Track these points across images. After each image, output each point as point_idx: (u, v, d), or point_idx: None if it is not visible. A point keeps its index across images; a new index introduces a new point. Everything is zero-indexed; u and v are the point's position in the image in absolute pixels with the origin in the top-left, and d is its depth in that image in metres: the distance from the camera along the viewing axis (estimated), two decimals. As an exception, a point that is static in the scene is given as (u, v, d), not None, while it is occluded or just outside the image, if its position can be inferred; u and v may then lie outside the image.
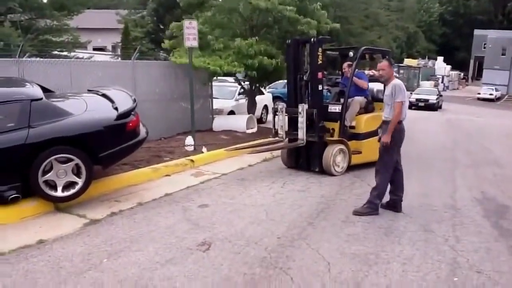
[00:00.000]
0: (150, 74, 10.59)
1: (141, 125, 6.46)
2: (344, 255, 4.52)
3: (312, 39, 7.85)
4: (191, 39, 8.95)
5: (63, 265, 4.16)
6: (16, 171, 5.23)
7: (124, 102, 6.20)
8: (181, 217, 5.54)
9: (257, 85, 12.75)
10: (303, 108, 7.67)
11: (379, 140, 5.83)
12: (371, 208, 5.81)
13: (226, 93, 13.77)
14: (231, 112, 13.06)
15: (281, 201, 6.32)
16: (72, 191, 5.52)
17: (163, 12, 25.90)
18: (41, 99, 5.57)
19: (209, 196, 6.49)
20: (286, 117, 8.14)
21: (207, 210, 5.83)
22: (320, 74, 7.81)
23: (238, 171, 8.10)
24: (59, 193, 5.46)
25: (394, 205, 5.95)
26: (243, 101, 13.38)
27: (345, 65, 8.57)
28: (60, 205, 5.63)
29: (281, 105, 8.13)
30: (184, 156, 8.38)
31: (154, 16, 27.43)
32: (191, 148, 9.01)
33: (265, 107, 15.44)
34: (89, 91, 7.00)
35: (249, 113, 12.40)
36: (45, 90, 6.04)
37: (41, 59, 10.42)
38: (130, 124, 6.02)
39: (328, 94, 9.51)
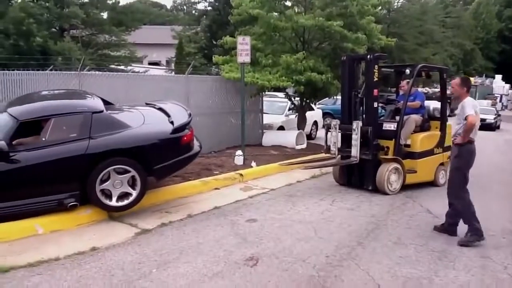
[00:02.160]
0: (202, 89, 10.80)
1: (194, 139, 6.58)
2: (396, 277, 4.37)
3: (368, 56, 7.77)
4: (243, 54, 9.07)
5: (114, 272, 4.27)
6: (76, 179, 5.45)
7: (179, 116, 6.36)
8: (229, 230, 5.56)
9: (307, 101, 12.70)
10: (357, 125, 7.57)
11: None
12: (476, 234, 5.43)
13: (276, 108, 13.80)
14: (281, 128, 13.05)
15: (330, 219, 6.22)
16: (126, 202, 5.70)
17: (216, 28, 26.39)
18: (102, 111, 5.82)
19: (257, 210, 6.49)
20: (339, 134, 8.05)
21: (255, 225, 5.82)
22: (375, 91, 7.71)
23: (287, 187, 8.06)
24: (113, 202, 5.63)
25: (450, 229, 5.70)
26: (293, 116, 13.35)
27: (403, 82, 8.46)
28: (113, 214, 5.80)
29: (335, 122, 8.07)
30: (234, 170, 8.43)
31: (208, 32, 28.02)
32: (241, 162, 9.06)
33: (315, 123, 15.34)
34: (147, 104, 7.21)
35: (298, 129, 12.35)
36: (105, 102, 6.28)
37: (99, 72, 10.90)
38: (185, 138, 6.15)
39: (383, 111, 9.35)
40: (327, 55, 11.32)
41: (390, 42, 11.98)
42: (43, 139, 5.49)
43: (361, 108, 7.99)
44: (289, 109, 13.64)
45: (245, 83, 9.98)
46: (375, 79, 7.67)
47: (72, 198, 5.44)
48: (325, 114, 18.17)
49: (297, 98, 12.80)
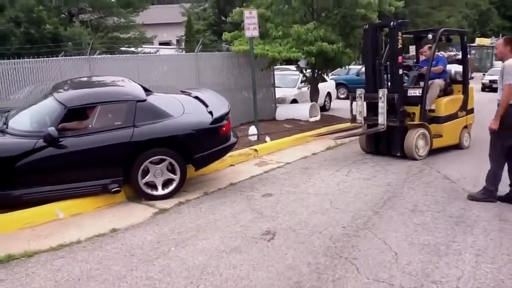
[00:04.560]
0: (212, 65, 10.77)
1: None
2: (413, 245, 4.38)
3: (392, 23, 7.68)
4: (251, 29, 8.97)
5: (134, 252, 4.35)
6: (120, 166, 5.59)
7: (217, 106, 6.41)
8: (245, 206, 5.61)
9: (319, 72, 12.57)
10: (383, 93, 7.57)
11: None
12: (485, 194, 5.54)
13: (288, 81, 13.71)
14: (294, 101, 12.98)
15: (346, 189, 6.23)
16: (166, 191, 5.87)
17: (224, 3, 26.13)
18: (145, 100, 5.91)
19: (272, 185, 6.52)
20: (365, 103, 8.07)
21: (271, 200, 5.86)
22: (400, 58, 7.70)
23: (302, 160, 8.06)
24: (159, 191, 5.82)
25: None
26: (306, 89, 13.25)
27: (425, 47, 8.59)
28: (131, 195, 5.89)
29: (359, 91, 8.07)
30: (248, 146, 8.45)
31: (216, 8, 27.75)
32: (255, 138, 9.07)
33: (328, 94, 15.23)
34: (182, 92, 7.25)
35: (311, 101, 12.27)
36: (145, 89, 6.34)
37: (109, 55, 10.92)
38: (224, 129, 6.21)
39: (406, 78, 9.31)
40: (337, 23, 11.12)
41: (398, 6, 11.65)
42: (90, 126, 5.65)
43: (385, 75, 8.01)
44: (302, 82, 13.53)
45: (255, 55, 9.91)
46: (399, 46, 7.63)
47: (116, 184, 5.57)
48: (339, 85, 18.03)
49: (309, 70, 12.67)
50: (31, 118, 5.66)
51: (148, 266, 4.06)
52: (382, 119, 7.62)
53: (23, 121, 5.61)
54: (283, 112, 11.78)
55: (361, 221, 5.04)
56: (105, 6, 22.93)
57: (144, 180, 5.73)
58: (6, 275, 3.96)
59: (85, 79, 6.99)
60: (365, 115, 8.11)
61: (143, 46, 23.85)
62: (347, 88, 18.77)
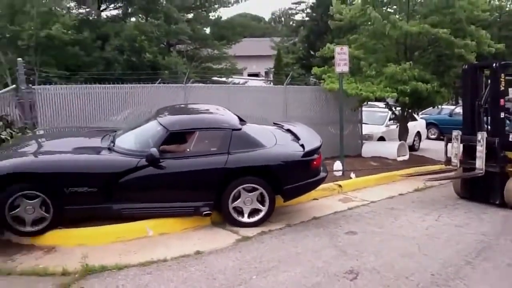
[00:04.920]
0: (300, 99, 10.88)
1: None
2: (511, 302, 4.04)
3: (494, 64, 7.36)
4: (341, 64, 8.99)
5: (216, 276, 4.43)
6: (212, 190, 5.80)
7: (309, 139, 6.50)
8: (328, 242, 5.51)
9: (410, 110, 12.21)
10: (482, 136, 7.21)
11: None
12: None
13: (376, 118, 13.44)
14: (381, 138, 12.68)
15: (435, 235, 5.91)
16: (255, 218, 5.96)
17: (314, 38, 26.43)
18: (240, 129, 6.16)
19: (357, 223, 6.36)
20: (461, 145, 7.73)
21: (354, 238, 5.71)
22: (502, 101, 7.33)
23: (388, 200, 7.80)
24: (243, 218, 5.93)
25: None
26: (394, 127, 12.91)
27: None
28: (216, 220, 6.03)
29: (456, 133, 7.72)
30: (332, 181, 8.33)
31: (305, 42, 28.15)
32: (339, 173, 8.95)
33: (418, 134, 14.69)
34: (275, 124, 7.48)
35: (400, 140, 11.91)
36: (239, 119, 6.60)
37: (203, 84, 11.46)
38: (315, 163, 6.26)
39: (507, 122, 8.82)
40: (430, 62, 10.81)
41: (498, 47, 11.06)
42: (188, 149, 5.96)
43: (485, 118, 7.63)
44: (390, 119, 13.22)
45: (348, 95, 9.89)
46: (502, 88, 7.28)
47: (207, 207, 5.77)
48: (429, 125, 17.36)
49: (398, 108, 12.36)
50: (135, 139, 6.05)
51: (230, 292, 4.10)
52: (480, 163, 7.20)
53: (128, 141, 6.01)
54: (370, 149, 11.53)
55: (452, 270, 4.74)
56: (201, 38, 24.17)
57: (234, 204, 5.86)
58: (99, 285, 4.21)
59: (184, 106, 7.39)
60: (461, 158, 7.70)
61: (233, 76, 24.73)
62: (438, 128, 18.00)
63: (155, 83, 11.46)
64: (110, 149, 5.81)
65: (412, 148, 13.66)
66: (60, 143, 6.26)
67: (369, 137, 12.25)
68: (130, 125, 7.01)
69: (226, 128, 6.09)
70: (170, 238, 5.48)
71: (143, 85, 9.42)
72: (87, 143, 6.21)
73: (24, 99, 7.41)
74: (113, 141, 6.01)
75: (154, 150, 5.50)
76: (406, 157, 11.32)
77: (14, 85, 7.89)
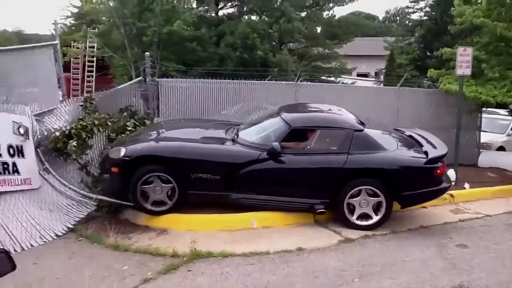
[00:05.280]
0: (413, 102, 10.43)
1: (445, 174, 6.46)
2: None
3: None
4: (463, 66, 8.46)
5: (318, 275, 4.45)
6: (328, 189, 5.85)
7: (433, 147, 6.32)
8: (436, 253, 5.25)
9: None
10: None
11: None
12: None
13: (496, 126, 12.43)
14: (501, 148, 11.70)
15: (559, 258, 5.35)
16: (369, 222, 5.87)
17: (431, 38, 25.10)
18: (362, 130, 6.16)
19: (468, 236, 5.97)
20: None
21: (465, 251, 5.37)
22: None
23: (506, 215, 7.17)
24: (359, 221, 5.86)
25: None
26: (517, 137, 11.87)
27: None
28: (318, 219, 6.02)
29: None
30: (444, 190, 7.89)
31: (421, 42, 26.85)
32: (452, 183, 8.42)
33: (548, 145, 13.32)
34: (395, 130, 7.41)
35: (524, 151, 10.93)
36: (359, 122, 6.60)
37: (313, 83, 11.46)
38: (438, 171, 6.05)
39: None
40: None
41: None
42: (308, 147, 6.07)
43: None
44: (513, 129, 12.17)
45: (465, 97, 9.28)
46: None
47: (322, 205, 5.83)
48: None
49: (525, 116, 11.34)
50: (258, 133, 6.27)
51: (331, 291, 4.10)
52: None
53: (251, 134, 6.26)
54: (488, 159, 10.70)
55: None
56: (313, 37, 24.22)
57: (352, 208, 5.82)
58: (206, 269, 4.45)
59: (306, 104, 7.52)
60: None
61: (342, 76, 24.44)
62: None
63: (265, 80, 11.75)
64: (234, 141, 6.08)
65: (537, 160, 12.42)
66: (188, 132, 6.73)
67: (487, 146, 11.36)
68: (252, 120, 7.35)
69: (348, 128, 6.08)
70: (273, 232, 5.60)
71: (255, 81, 9.70)
72: (213, 134, 6.57)
73: (148, 90, 8.04)
74: (237, 134, 6.29)
75: (276, 144, 5.67)
76: (529, 170, 10.34)
77: (140, 77, 8.57)
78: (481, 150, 11.06)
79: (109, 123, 6.62)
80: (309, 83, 10.90)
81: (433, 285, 4.36)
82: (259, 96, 9.26)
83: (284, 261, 4.75)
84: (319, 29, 26.46)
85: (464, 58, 8.46)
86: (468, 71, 8.54)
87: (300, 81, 12.21)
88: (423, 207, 7.10)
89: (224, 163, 5.75)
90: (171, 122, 7.51)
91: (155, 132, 6.55)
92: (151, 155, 5.70)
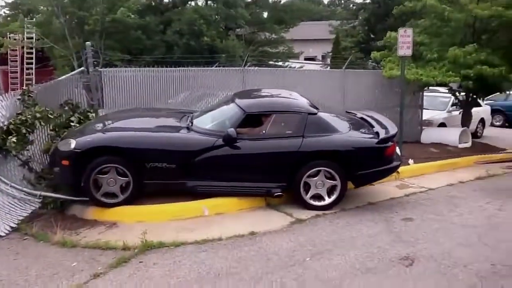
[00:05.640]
0: (358, 83, 10.70)
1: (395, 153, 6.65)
2: None
3: None
4: (404, 48, 8.73)
5: (270, 257, 4.50)
6: (285, 173, 5.90)
7: (383, 127, 6.48)
8: (383, 227, 5.44)
9: (474, 96, 11.66)
10: None
11: None
12: None
13: (437, 103, 12.93)
14: (442, 124, 12.20)
15: (497, 225, 5.68)
16: (324, 202, 5.99)
17: (374, 21, 25.71)
18: (316, 114, 6.24)
19: (413, 209, 6.22)
20: None
21: (410, 224, 5.60)
22: None
23: (447, 187, 7.54)
24: (313, 201, 5.97)
25: None
26: (456, 113, 12.39)
27: None
28: (271, 202, 6.10)
29: None
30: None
31: (365, 25, 27.43)
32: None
33: (482, 120, 14.01)
34: (347, 112, 7.57)
35: (463, 126, 11.44)
36: (311, 106, 6.66)
37: (260, 68, 11.49)
38: (389, 150, 6.23)
39: None
40: (501, 46, 10.22)
41: None
42: (263, 131, 6.08)
43: None
44: (452, 105, 12.70)
45: (408, 80, 9.58)
46: None
47: (279, 189, 5.89)
48: (494, 111, 16.51)
49: (462, 93, 11.84)
50: (213, 120, 6.26)
51: (283, 272, 4.16)
52: None
53: (206, 121, 6.24)
54: (430, 135, 11.15)
55: (514, 261, 4.55)
56: (259, 22, 24.20)
57: (307, 188, 5.92)
58: (158, 260, 4.40)
59: (259, 90, 7.54)
60: None
61: (289, 60, 24.60)
62: (505, 115, 17.10)
63: (212, 67, 11.65)
64: (188, 129, 6.05)
65: (474, 135, 13.06)
66: (140, 121, 6.59)
67: (429, 123, 11.83)
68: (207, 107, 7.35)
69: (302, 112, 6.15)
70: (226, 218, 5.61)
71: (202, 68, 9.61)
72: (167, 122, 6.52)
73: (91, 81, 7.77)
74: (191, 121, 6.25)
75: (231, 130, 5.68)
76: (468, 145, 10.87)
77: (82, 68, 8.27)
78: (423, 127, 11.51)
79: (51, 116, 6.36)
80: (256, 68, 10.90)
81: (380, 258, 4.52)
82: (206, 83, 9.19)
83: (237, 246, 4.78)
84: (265, 14, 26.46)
85: (404, 39, 8.72)
86: (409, 52, 8.82)
87: (248, 66, 12.22)
88: (371, 184, 7.33)
89: (180, 151, 5.72)
90: (121, 113, 7.32)
91: (105, 122, 6.37)
92: (103, 146, 5.56)
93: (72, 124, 6.68)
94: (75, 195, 5.74)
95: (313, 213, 5.81)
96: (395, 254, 4.63)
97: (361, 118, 7.02)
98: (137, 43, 20.94)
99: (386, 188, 7.23)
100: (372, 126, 6.54)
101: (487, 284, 4.04)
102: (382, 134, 6.20)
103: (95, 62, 8.61)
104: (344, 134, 6.19)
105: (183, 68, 9.25)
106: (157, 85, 8.63)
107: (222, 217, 5.64)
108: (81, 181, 5.46)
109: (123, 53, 20.44)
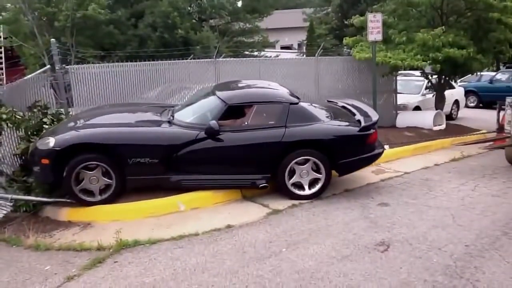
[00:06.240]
0: (332, 70, 10.70)
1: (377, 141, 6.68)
2: (549, 273, 3.91)
3: None
4: (374, 32, 8.76)
5: (246, 250, 4.48)
6: (269, 163, 5.88)
7: (365, 115, 6.49)
8: (359, 214, 5.47)
9: (447, 78, 11.79)
10: None
11: None
12: None
13: (411, 87, 13.06)
14: (417, 108, 12.32)
15: (471, 205, 5.76)
16: (308, 192, 6.00)
17: (347, 7, 25.80)
18: (297, 103, 6.22)
19: (389, 194, 6.27)
20: None
21: (386, 209, 5.64)
22: None
23: (423, 170, 7.63)
24: (301, 191, 5.99)
25: None
26: (430, 96, 12.52)
27: None
28: (247, 194, 6.08)
29: (510, 99, 7.51)
30: (365, 153, 8.20)
31: (339, 12, 27.50)
32: (386, 147, 8.77)
33: (456, 102, 14.20)
34: (329, 101, 7.59)
35: (437, 109, 11.56)
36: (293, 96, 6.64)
37: (234, 59, 11.40)
38: (371, 138, 6.25)
39: None
40: (468, 27, 10.33)
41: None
42: (246, 123, 6.04)
43: None
44: (426, 88, 12.83)
45: (376, 63, 9.61)
46: None
47: (263, 180, 5.87)
48: (468, 93, 16.77)
49: (435, 76, 11.96)
50: (194, 113, 6.21)
51: (259, 264, 4.15)
52: None
53: (187, 114, 6.18)
54: (405, 119, 11.25)
55: (487, 241, 4.63)
56: (233, 13, 24.01)
57: (291, 177, 5.92)
58: (133, 258, 4.34)
59: (240, 81, 7.49)
60: None
61: (265, 50, 24.53)
62: (478, 96, 17.36)
63: (187, 59, 11.52)
64: (170, 123, 5.99)
65: (449, 117, 13.24)
66: (120, 117, 6.49)
67: (404, 107, 11.93)
68: (188, 101, 7.30)
69: (284, 102, 6.14)
70: (202, 213, 5.57)
71: (174, 61, 9.46)
72: (148, 117, 6.44)
73: (58, 79, 7.58)
74: (172, 115, 6.19)
75: (213, 123, 5.64)
76: (443, 127, 10.99)
77: (48, 66, 8.06)
78: (398, 112, 11.60)
79: (19, 117, 6.18)
80: (228, 59, 10.83)
81: (356, 245, 4.54)
82: (179, 77, 9.07)
83: (213, 240, 4.74)
84: (240, 4, 26.27)
85: (374, 24, 8.76)
86: (379, 37, 8.85)
87: (223, 57, 12.12)
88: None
89: (162, 146, 5.67)
90: (99, 109, 7.16)
91: (84, 119, 6.23)
92: (83, 143, 5.45)
93: (45, 126, 6.51)
94: (49, 196, 5.63)
95: (290, 203, 5.81)
96: (371, 240, 4.66)
97: (342, 106, 7.04)
98: (109, 38, 20.63)
99: (362, 174, 7.26)
100: (354, 114, 6.55)
101: (461, 264, 4.09)
102: (364, 122, 6.22)
103: (69, 60, 8.40)
104: (326, 123, 6.18)
105: (154, 62, 9.10)
106: (128, 80, 8.46)
107: (198, 212, 5.59)
108: (63, 175, 5.38)
109: (96, 49, 20.12)
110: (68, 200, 5.59)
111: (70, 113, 7.38)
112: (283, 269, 4.04)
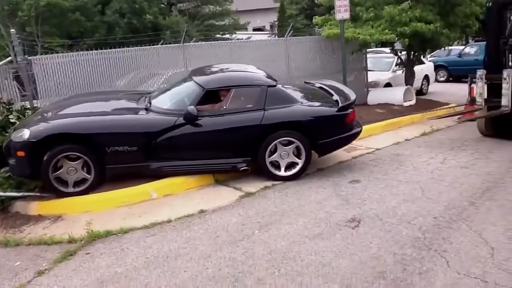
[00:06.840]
0: (302, 50, 10.68)
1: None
2: (512, 240, 4.03)
3: None
4: (342, 11, 8.77)
5: (219, 234, 4.49)
6: (249, 147, 5.88)
7: (342, 95, 6.50)
8: (331, 192, 5.53)
9: (416, 54, 11.91)
10: (508, 74, 7.13)
11: None
12: None
13: (382, 64, 13.17)
14: (388, 85, 12.45)
15: (440, 178, 5.88)
16: (291, 172, 6.03)
17: (318, -14, 25.72)
18: (275, 86, 6.19)
19: (361, 171, 6.35)
20: (485, 84, 7.63)
21: (358, 186, 5.71)
22: None
23: (394, 146, 7.74)
24: (282, 172, 6.01)
25: None
26: (401, 72, 12.65)
27: None
28: (219, 178, 6.07)
29: (480, 72, 7.62)
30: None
31: (309, -9, 27.44)
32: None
33: (426, 77, 14.39)
34: (306, 83, 7.58)
35: (407, 85, 11.70)
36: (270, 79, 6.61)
37: (202, 43, 11.26)
38: (349, 117, 6.27)
39: None
40: (436, 2, 10.41)
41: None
42: (224, 107, 6.01)
43: (510, 56, 7.55)
44: (396, 65, 12.95)
45: (345, 39, 9.63)
46: None
47: (244, 163, 5.89)
48: (438, 67, 16.99)
49: (404, 52, 12.06)
50: (171, 99, 6.15)
51: (232, 247, 4.16)
52: (505, 101, 7.17)
53: (164, 101, 6.12)
54: (375, 96, 11.36)
55: (455, 212, 4.74)
56: (201, -5, 23.73)
57: (271, 159, 5.95)
58: (105, 249, 4.30)
59: (217, 65, 7.39)
60: (485, 97, 7.61)
61: (237, 32, 24.32)
62: (448, 70, 17.61)
63: (158, 45, 11.33)
64: (147, 110, 5.92)
65: (420, 92, 13.43)
66: (96, 106, 6.36)
67: (375, 84, 12.04)
68: (165, 87, 7.25)
69: (262, 85, 6.13)
70: (174, 199, 5.54)
71: (142, 47, 9.30)
72: (124, 104, 6.35)
73: (22, 71, 7.37)
74: (149, 102, 6.11)
75: (191, 108, 5.61)
76: (413, 102, 11.15)
77: (9, 58, 7.83)
78: (369, 89, 11.69)
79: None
80: (196, 43, 10.70)
81: (328, 223, 4.60)
82: (150, 63, 8.94)
83: (186, 226, 4.73)
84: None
85: (341, 2, 8.76)
86: (347, 15, 8.86)
87: (194, 41, 11.97)
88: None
89: (140, 133, 5.63)
90: (73, 98, 7.00)
91: (59, 109, 6.07)
92: (58, 134, 5.33)
93: (11, 122, 6.35)
94: (17, 191, 5.52)
95: (262, 185, 5.82)
96: (342, 217, 4.72)
97: (320, 87, 7.04)
98: (76, 26, 20.15)
99: (334, 152, 7.30)
100: (331, 95, 6.56)
101: (429, 236, 4.19)
102: (342, 102, 6.24)
103: (35, 50, 8.14)
104: (305, 104, 6.19)
105: (121, 49, 8.92)
106: (96, 69, 8.28)
107: (171, 199, 5.56)
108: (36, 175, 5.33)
109: (63, 38, 19.63)
110: (38, 194, 5.50)
111: (36, 105, 7.19)
112: (256, 251, 4.06)
